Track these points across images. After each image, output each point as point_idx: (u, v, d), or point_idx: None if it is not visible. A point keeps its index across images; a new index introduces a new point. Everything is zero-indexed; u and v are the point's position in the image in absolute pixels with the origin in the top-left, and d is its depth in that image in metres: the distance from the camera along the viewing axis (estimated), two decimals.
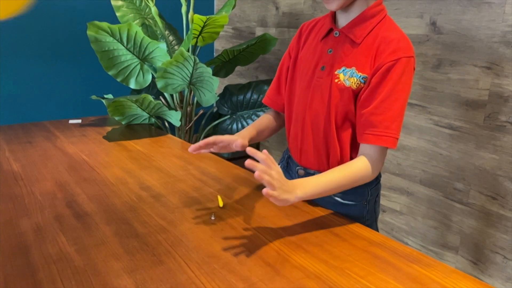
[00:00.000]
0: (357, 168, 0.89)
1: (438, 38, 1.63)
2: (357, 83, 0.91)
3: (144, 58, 1.82)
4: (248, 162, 0.73)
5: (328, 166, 1.00)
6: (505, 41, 1.45)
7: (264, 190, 0.73)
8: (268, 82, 2.07)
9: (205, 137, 2.19)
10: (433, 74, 1.66)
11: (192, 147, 0.93)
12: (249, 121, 2.03)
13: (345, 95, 0.93)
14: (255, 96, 2.04)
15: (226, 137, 0.96)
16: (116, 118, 1.73)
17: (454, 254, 1.66)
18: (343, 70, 0.93)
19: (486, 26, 1.48)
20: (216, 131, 2.19)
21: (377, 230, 1.05)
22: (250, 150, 0.76)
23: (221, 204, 0.90)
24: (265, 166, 0.75)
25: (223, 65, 2.14)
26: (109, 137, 1.58)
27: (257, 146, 2.77)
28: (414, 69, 0.90)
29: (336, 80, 0.94)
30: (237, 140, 0.97)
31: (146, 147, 1.48)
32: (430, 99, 1.68)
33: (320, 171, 1.02)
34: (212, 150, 0.96)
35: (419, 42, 1.75)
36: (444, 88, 1.63)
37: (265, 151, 0.77)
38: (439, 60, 1.63)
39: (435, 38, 1.64)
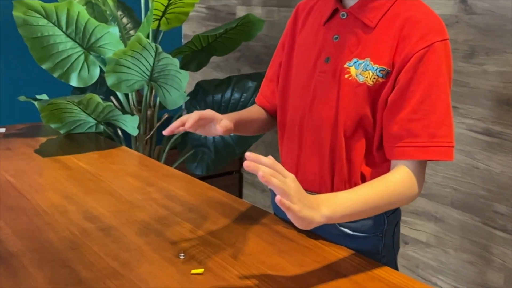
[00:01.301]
0: (401, 183, 0.88)
1: (469, 19, 1.66)
2: (374, 78, 0.92)
3: (89, 46, 1.81)
4: (248, 163, 0.71)
5: (332, 188, 1.01)
6: None
7: (278, 198, 0.71)
8: (253, 76, 2.08)
9: (171, 148, 2.18)
10: (464, 66, 1.69)
11: (168, 129, 0.93)
12: None
13: (359, 95, 0.93)
14: (236, 95, 2.04)
15: (208, 113, 0.96)
16: (53, 126, 1.71)
17: None
18: (355, 63, 0.94)
19: None
20: (185, 141, 2.18)
21: (396, 268, 1.05)
22: (250, 155, 0.74)
23: (200, 271, 0.88)
24: (274, 171, 0.74)
25: (194, 55, 2.14)
26: (42, 151, 1.56)
27: (239, 161, 2.77)
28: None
29: (346, 76, 0.95)
30: (222, 120, 0.97)
31: (93, 163, 1.47)
32: (461, 97, 1.71)
33: (321, 193, 1.01)
34: (189, 129, 0.96)
35: (446, 24, 1.76)
36: (479, 83, 1.66)
37: (270, 157, 0.76)
38: (471, 47, 1.66)
39: (466, 19, 1.67)
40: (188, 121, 0.94)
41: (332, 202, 0.81)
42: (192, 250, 0.95)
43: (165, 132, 0.94)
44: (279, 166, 0.76)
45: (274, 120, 1.17)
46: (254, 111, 1.16)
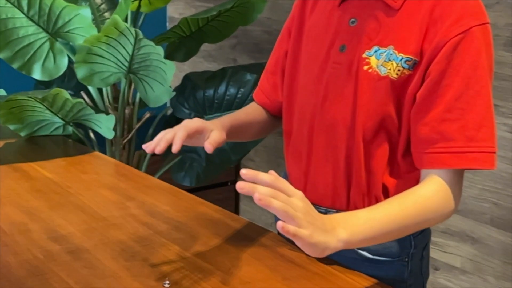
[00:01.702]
0: (433, 197, 0.88)
1: None
2: (398, 70, 0.92)
3: (56, 32, 1.81)
4: (242, 185, 0.71)
5: (348, 202, 1.01)
6: None
7: (280, 224, 0.71)
8: (252, 68, 2.08)
9: (153, 154, 2.17)
10: (506, 55, 1.69)
11: (149, 145, 0.92)
12: None
13: (381, 90, 0.94)
14: (232, 91, 2.04)
15: (196, 126, 0.95)
16: (11, 127, 1.71)
17: None
18: (376, 51, 0.94)
19: None
20: (170, 146, 2.17)
21: None
22: (247, 173, 0.73)
23: None
24: (275, 191, 0.74)
25: (181, 43, 2.14)
26: None
27: (235, 169, 2.77)
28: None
29: (365, 67, 0.95)
30: (212, 132, 0.97)
31: (60, 172, 1.46)
32: (503, 93, 1.71)
33: (335, 209, 1.02)
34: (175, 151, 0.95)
35: (485, 5, 1.76)
36: None
37: (272, 172, 0.76)
38: None
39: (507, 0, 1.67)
40: (175, 142, 0.92)
41: (350, 223, 0.81)
42: (179, 277, 0.95)
43: (146, 149, 0.94)
44: (282, 183, 0.75)
45: (277, 120, 1.18)
46: (252, 112, 1.16)
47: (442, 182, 0.89)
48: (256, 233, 1.11)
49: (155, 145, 0.92)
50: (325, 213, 1.02)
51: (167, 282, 0.93)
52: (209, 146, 0.93)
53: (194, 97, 2.08)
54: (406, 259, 1.02)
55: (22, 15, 1.76)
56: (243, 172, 0.74)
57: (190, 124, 0.96)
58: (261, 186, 0.73)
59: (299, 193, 0.76)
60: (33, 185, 1.36)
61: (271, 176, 0.75)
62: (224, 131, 1.02)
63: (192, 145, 1.01)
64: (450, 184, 0.90)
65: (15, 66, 1.80)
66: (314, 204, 1.03)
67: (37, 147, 1.69)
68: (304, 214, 0.74)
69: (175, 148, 0.91)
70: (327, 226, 0.78)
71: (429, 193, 0.89)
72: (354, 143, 0.97)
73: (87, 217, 1.18)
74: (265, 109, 1.17)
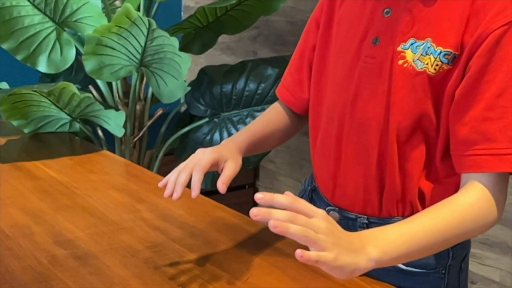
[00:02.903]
0: (474, 205, 0.87)
1: None
2: (437, 65, 0.92)
3: (63, 21, 1.83)
4: (256, 212, 0.71)
5: (381, 208, 1.01)
6: None
7: (298, 253, 0.70)
8: (274, 61, 2.08)
9: (166, 154, 2.18)
10: None
11: (163, 181, 0.94)
12: (241, 128, 2.03)
13: (417, 87, 0.93)
14: (252, 86, 2.04)
15: (209, 158, 0.96)
16: (14, 123, 1.73)
17: None
18: (412, 44, 0.94)
19: None
20: (184, 145, 2.18)
21: None
22: (264, 197, 0.73)
23: None
24: (293, 213, 0.74)
25: (198, 34, 2.15)
26: (1, 156, 1.57)
27: (254, 172, 2.76)
28: None
29: (400, 62, 0.95)
30: (227, 161, 0.98)
31: (66, 172, 1.47)
32: None
33: (366, 215, 1.02)
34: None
35: None
36: None
37: (288, 193, 0.76)
38: None
39: None
40: (193, 188, 0.93)
41: (381, 240, 0.81)
42: (193, 286, 0.95)
43: (161, 184, 0.96)
44: (301, 204, 0.75)
45: (301, 120, 1.18)
46: (272, 119, 1.16)
47: (483, 189, 0.88)
48: (277, 240, 1.11)
49: (171, 191, 0.94)
50: (355, 219, 1.03)
51: None
52: (222, 187, 0.94)
53: (211, 93, 2.09)
54: (443, 271, 1.02)
55: (28, 3, 1.78)
56: (258, 196, 0.74)
57: (204, 161, 0.96)
58: (277, 210, 0.73)
59: (321, 213, 0.76)
60: (37, 185, 1.37)
61: (288, 197, 0.75)
62: (240, 154, 1.04)
63: None
64: (493, 191, 0.89)
65: (19, 57, 1.81)
66: (344, 210, 1.05)
67: (42, 144, 1.71)
68: (328, 235, 0.74)
69: (194, 195, 0.92)
70: (355, 245, 0.77)
71: (469, 201, 0.88)
72: (388, 144, 0.96)
73: (95, 220, 1.19)
74: (289, 108, 1.17)
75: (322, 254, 0.72)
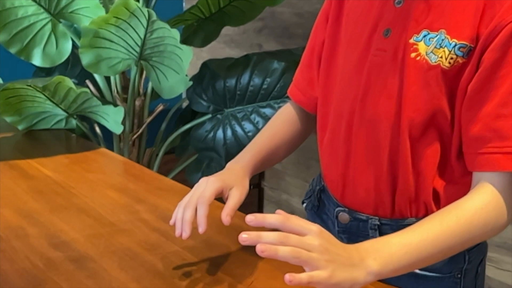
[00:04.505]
0: (482, 209, 0.87)
1: None
2: (451, 58, 0.92)
3: (59, 12, 1.83)
4: (245, 238, 0.74)
5: (393, 209, 1.01)
6: None
7: (287, 278, 0.72)
8: (280, 55, 2.08)
9: (167, 152, 2.18)
10: None
11: (183, 231, 0.93)
12: (245, 124, 2.03)
13: (431, 81, 0.93)
14: (257, 81, 2.04)
15: (213, 188, 0.97)
16: (8, 120, 1.73)
17: None
18: (425, 36, 0.94)
19: None
20: (186, 142, 2.18)
21: None
22: (255, 219, 0.76)
23: None
24: (284, 234, 0.75)
25: (200, 26, 2.14)
26: None
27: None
28: None
29: (412, 55, 0.94)
30: (232, 188, 0.99)
31: (62, 171, 1.47)
32: None
33: (378, 216, 1.02)
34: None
35: None
36: None
37: (280, 211, 0.77)
38: None
39: None
40: (199, 223, 0.93)
41: (381, 252, 0.81)
42: None
43: (171, 223, 0.97)
44: (293, 222, 0.77)
45: (313, 122, 1.17)
46: (278, 131, 1.16)
47: (493, 191, 0.88)
48: None
49: (180, 231, 0.94)
50: (366, 220, 1.03)
51: None
52: (227, 219, 0.94)
53: (214, 88, 2.08)
54: (459, 275, 1.02)
55: None
56: (249, 219, 0.77)
57: (208, 193, 0.96)
58: (266, 233, 0.75)
59: (315, 229, 0.77)
60: (32, 185, 1.37)
61: (279, 216, 0.77)
62: (247, 177, 1.05)
63: None
64: (504, 192, 0.89)
65: (12, 50, 1.82)
66: (354, 211, 1.04)
67: (37, 142, 1.71)
68: (321, 253, 0.75)
69: (201, 230, 0.93)
70: (354, 259, 0.78)
71: (477, 205, 0.88)
72: (400, 142, 0.96)
73: (92, 221, 1.19)
74: (300, 109, 1.18)
75: (314, 274, 0.74)
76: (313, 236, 0.76)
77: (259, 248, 0.72)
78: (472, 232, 0.87)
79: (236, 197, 0.99)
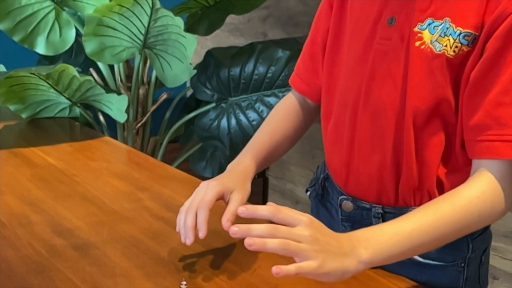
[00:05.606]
0: (478, 197, 0.88)
1: None
2: (456, 47, 0.92)
3: (62, 0, 1.83)
4: (233, 231, 0.75)
5: (397, 197, 1.01)
6: None
7: (274, 270, 0.73)
8: (285, 43, 2.07)
9: (171, 141, 2.19)
10: None
11: (187, 237, 0.94)
12: (250, 113, 2.04)
13: (436, 70, 0.93)
14: (261, 69, 2.04)
15: (213, 192, 0.97)
16: (11, 108, 1.74)
17: None
18: (429, 25, 0.94)
19: None
20: (190, 131, 2.19)
21: None
22: (246, 211, 0.78)
23: None
24: (273, 226, 0.76)
25: (204, 14, 2.14)
26: None
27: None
28: None
29: (417, 43, 0.94)
30: (233, 191, 0.99)
31: (65, 159, 1.48)
32: None
33: (381, 204, 1.02)
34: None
35: None
36: None
37: (270, 203, 0.78)
38: None
39: None
40: (200, 228, 0.93)
41: (373, 240, 0.82)
42: (198, 278, 0.96)
43: (177, 229, 0.97)
44: (284, 213, 0.78)
45: (315, 112, 1.18)
46: (278, 127, 1.16)
47: (490, 178, 0.89)
48: None
49: (184, 238, 0.94)
50: (369, 208, 1.03)
51: (184, 283, 0.93)
52: (227, 224, 0.92)
53: (218, 76, 2.08)
54: (462, 265, 1.02)
55: None
56: (240, 210, 0.79)
57: (208, 198, 0.96)
58: (256, 225, 0.76)
59: (305, 219, 0.78)
60: (35, 173, 1.37)
61: (270, 207, 0.77)
62: (249, 178, 1.06)
63: None
64: (503, 179, 0.89)
65: (16, 38, 1.82)
66: (357, 199, 1.04)
67: (40, 130, 1.71)
68: (311, 243, 0.76)
69: (201, 235, 0.93)
70: (344, 248, 0.79)
71: (473, 193, 0.88)
72: (404, 130, 0.96)
73: (95, 209, 1.19)
74: (303, 98, 1.18)
75: (303, 265, 0.75)
76: (303, 227, 0.77)
77: (247, 242, 0.73)
78: (468, 220, 0.88)
79: (237, 201, 0.99)
